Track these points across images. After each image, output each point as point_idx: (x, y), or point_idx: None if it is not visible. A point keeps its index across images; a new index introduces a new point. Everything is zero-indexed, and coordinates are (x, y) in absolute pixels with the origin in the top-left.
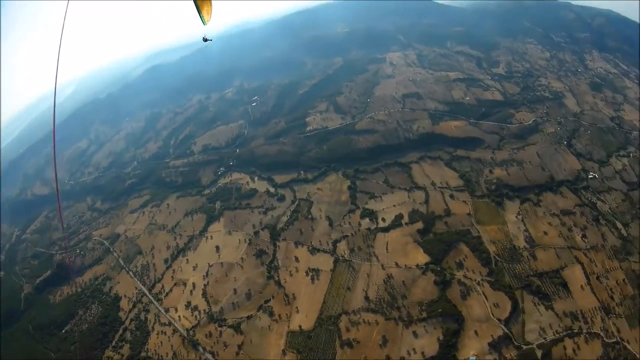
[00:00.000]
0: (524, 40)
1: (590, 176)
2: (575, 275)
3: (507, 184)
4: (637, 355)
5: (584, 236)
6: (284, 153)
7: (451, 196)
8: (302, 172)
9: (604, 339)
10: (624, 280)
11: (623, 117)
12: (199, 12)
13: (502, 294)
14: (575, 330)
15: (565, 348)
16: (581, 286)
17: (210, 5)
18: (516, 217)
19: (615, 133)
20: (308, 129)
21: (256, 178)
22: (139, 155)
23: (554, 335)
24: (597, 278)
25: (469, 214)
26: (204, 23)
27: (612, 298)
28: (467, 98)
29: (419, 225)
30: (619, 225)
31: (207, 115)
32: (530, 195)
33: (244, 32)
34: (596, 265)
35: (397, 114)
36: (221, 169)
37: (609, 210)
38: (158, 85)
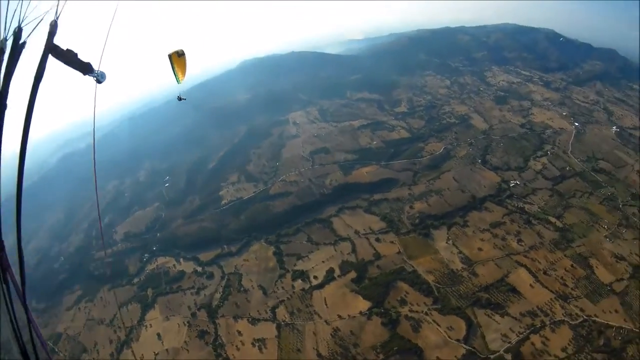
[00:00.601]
0: (422, 73)
1: (512, 184)
2: (521, 278)
3: (430, 214)
4: (610, 323)
5: (519, 240)
6: (204, 230)
7: (377, 240)
8: (225, 246)
9: (570, 322)
10: (572, 265)
11: (533, 121)
12: (174, 71)
13: (453, 316)
14: (538, 326)
15: (533, 344)
16: (530, 285)
17: (185, 65)
18: (446, 242)
19: (529, 137)
20: (223, 202)
21: (181, 259)
22: (64, 249)
23: (518, 336)
24: (544, 273)
25: (398, 253)
26: (178, 82)
27: (565, 285)
28: (374, 142)
29: (352, 274)
30: (552, 219)
31: (123, 201)
32: (455, 219)
33: (149, 111)
34: (539, 262)
35: (308, 172)
36: (146, 255)
37: (539, 209)
38: (72, 175)
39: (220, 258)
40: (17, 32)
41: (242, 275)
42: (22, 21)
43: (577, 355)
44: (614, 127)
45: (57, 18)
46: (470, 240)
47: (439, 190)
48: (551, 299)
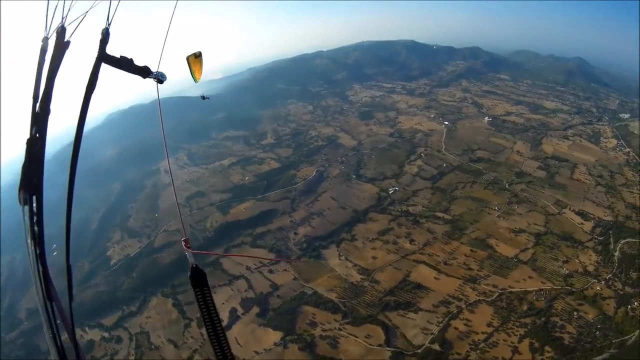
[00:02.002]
0: (284, 103)
1: (391, 191)
2: (423, 274)
3: (316, 236)
4: (528, 289)
5: (411, 241)
6: (101, 294)
7: (270, 271)
8: (124, 307)
9: (486, 299)
10: (471, 250)
11: (401, 128)
12: (191, 70)
13: (367, 325)
14: (454, 311)
15: (456, 328)
16: (434, 278)
17: (201, 64)
18: (339, 259)
19: (399, 145)
20: (112, 262)
21: (87, 328)
22: None
23: (438, 325)
24: (445, 263)
25: (295, 279)
26: (195, 81)
27: (470, 269)
28: (247, 178)
29: (255, 309)
30: (440, 214)
31: (19, 277)
32: (343, 235)
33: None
34: (437, 255)
35: (188, 218)
36: None
37: (424, 208)
38: None
39: (123, 320)
40: (60, 31)
41: (149, 333)
42: (65, 19)
43: (504, 325)
44: (486, 118)
45: (109, 25)
46: (362, 252)
47: (320, 212)
48: (460, 284)
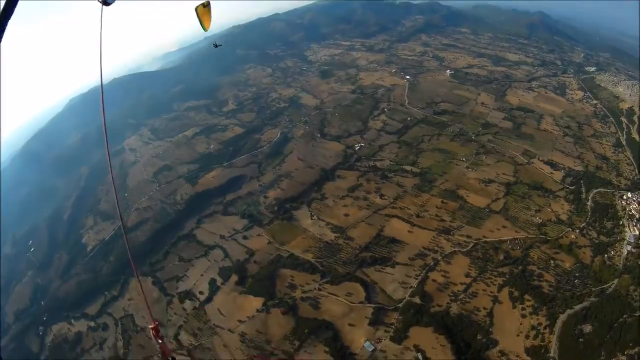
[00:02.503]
0: (243, 68)
1: (357, 148)
2: (396, 228)
3: (286, 198)
4: (503, 238)
5: (382, 195)
6: (82, 283)
7: (245, 237)
8: (106, 292)
9: (462, 250)
10: (442, 202)
11: (363, 85)
12: (200, 20)
13: (346, 283)
14: (431, 264)
15: (434, 280)
16: (408, 231)
17: (209, 13)
18: (311, 219)
19: (362, 101)
20: (89, 249)
21: (73, 320)
22: None
23: (416, 279)
24: (417, 216)
25: (269, 243)
26: (204, 30)
27: (442, 220)
28: (212, 146)
29: (234, 278)
30: (408, 167)
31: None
32: (313, 195)
33: None
34: (409, 209)
35: (157, 193)
36: (40, 328)
37: (391, 162)
38: None
39: (107, 305)
40: None
41: (133, 316)
42: None
43: (482, 275)
44: (448, 71)
45: None
46: (334, 210)
47: (288, 174)
48: (434, 236)
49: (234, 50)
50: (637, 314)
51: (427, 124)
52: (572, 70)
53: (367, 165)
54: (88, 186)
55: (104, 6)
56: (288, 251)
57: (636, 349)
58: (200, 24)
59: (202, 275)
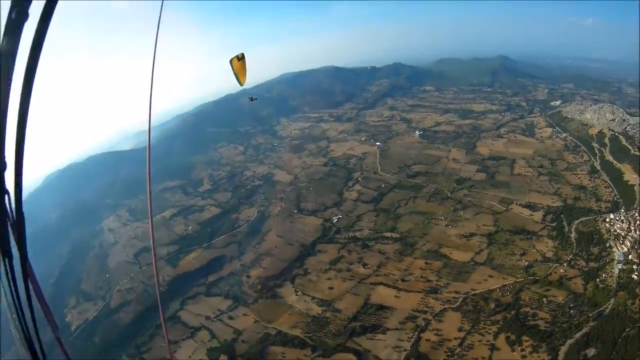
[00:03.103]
0: (215, 146)
1: (335, 220)
2: (382, 295)
3: (269, 276)
4: (491, 287)
5: (365, 265)
6: None
7: (230, 317)
8: None
9: (452, 306)
10: (426, 263)
11: (334, 156)
12: (235, 74)
13: (339, 354)
14: (422, 324)
15: (428, 339)
16: (395, 296)
17: (244, 66)
18: (296, 295)
19: (335, 173)
20: (73, 328)
21: None
22: None
23: (409, 341)
24: (402, 280)
25: (256, 322)
26: (240, 84)
27: (429, 281)
28: (190, 227)
29: (223, 358)
30: (388, 234)
31: None
32: (295, 271)
33: None
34: (393, 274)
35: (139, 275)
36: None
37: (370, 231)
38: None
39: None
40: None
41: None
42: None
43: (476, 327)
44: (417, 132)
45: None
46: (318, 284)
47: (268, 251)
48: (422, 298)
49: (205, 128)
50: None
51: (401, 188)
52: (538, 109)
53: (347, 236)
54: (69, 266)
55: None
56: (276, 328)
57: None
58: (236, 77)
59: (190, 356)
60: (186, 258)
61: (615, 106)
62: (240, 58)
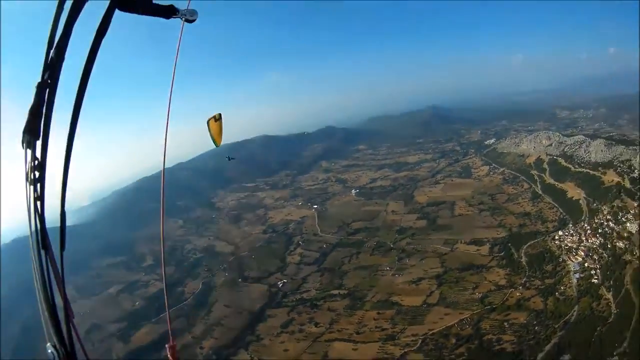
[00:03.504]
0: (155, 222)
1: (280, 285)
2: (339, 349)
3: (222, 345)
4: (448, 324)
5: (316, 324)
6: None
7: None
8: None
9: (412, 349)
10: (378, 313)
11: (273, 223)
12: (211, 134)
13: None
14: None
15: None
16: (352, 349)
17: (221, 127)
18: None
19: (275, 239)
20: None
21: None
22: None
23: None
24: (357, 333)
25: None
26: (216, 145)
27: (384, 330)
28: (137, 303)
29: None
30: (335, 291)
31: None
32: (248, 338)
33: None
34: (347, 329)
35: (92, 354)
36: None
37: (317, 291)
38: None
39: None
40: None
41: None
42: None
43: None
44: (353, 190)
45: None
46: (273, 348)
47: (218, 322)
48: (380, 346)
49: (144, 203)
50: (610, 321)
51: (343, 246)
52: (472, 150)
53: (295, 299)
54: (21, 346)
55: (185, 23)
56: None
57: (624, 345)
58: (212, 139)
59: None
60: (137, 334)
61: (550, 132)
62: (218, 119)
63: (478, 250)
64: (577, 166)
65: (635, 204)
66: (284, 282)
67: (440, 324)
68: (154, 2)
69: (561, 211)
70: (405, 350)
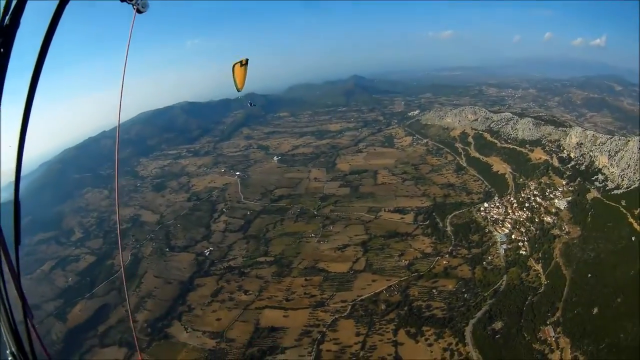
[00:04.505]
0: (81, 192)
1: (207, 253)
2: (271, 316)
3: (156, 317)
4: (377, 291)
5: (246, 292)
6: None
7: None
8: None
9: (342, 314)
10: (305, 279)
11: (197, 191)
12: (234, 78)
13: None
14: (319, 337)
15: (329, 350)
16: (283, 316)
17: (245, 72)
18: (187, 332)
19: (199, 207)
20: None
21: None
22: None
23: (310, 355)
24: (287, 300)
25: None
26: (237, 89)
27: (313, 296)
28: (70, 279)
29: None
30: (261, 259)
31: None
32: (180, 309)
33: None
34: (276, 296)
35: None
36: None
37: (244, 258)
38: None
39: None
40: None
41: None
42: None
43: (372, 329)
44: (275, 157)
45: None
46: (205, 318)
47: (149, 294)
48: (310, 312)
49: (70, 174)
50: (540, 291)
51: (267, 213)
52: (396, 121)
53: (222, 267)
54: None
55: (136, 13)
56: None
57: (556, 315)
58: (234, 83)
59: None
60: (73, 311)
61: (477, 107)
62: (244, 64)
63: (402, 218)
64: (503, 142)
65: (564, 182)
66: (210, 250)
67: (368, 290)
68: None
69: (486, 184)
70: (336, 317)
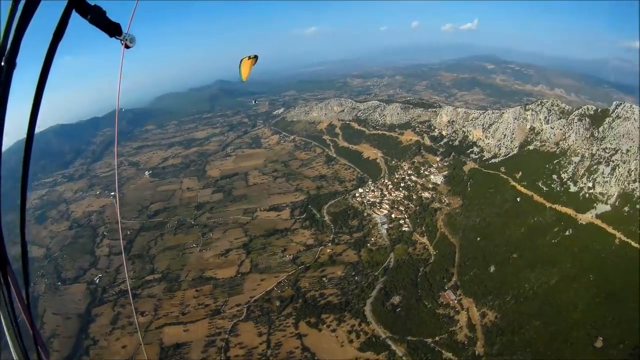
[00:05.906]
0: None
1: (97, 280)
2: (172, 333)
3: (65, 357)
4: (268, 289)
5: (142, 313)
6: None
7: None
8: None
9: (240, 319)
10: (196, 290)
11: (76, 216)
12: (240, 69)
13: None
14: (223, 345)
15: (236, 355)
16: (184, 331)
17: (249, 68)
18: None
19: (82, 233)
20: None
21: None
22: None
23: None
24: (183, 314)
25: None
26: (242, 80)
27: (206, 305)
28: None
29: None
30: (150, 277)
31: None
32: (85, 343)
33: None
34: (172, 312)
35: None
36: None
37: (133, 279)
38: None
39: None
40: None
41: None
42: None
43: (273, 327)
44: (147, 172)
45: None
46: (111, 348)
47: (53, 333)
48: (209, 322)
49: None
50: (431, 261)
51: (146, 230)
52: (261, 121)
53: (114, 292)
54: None
55: (125, 49)
56: None
57: (453, 280)
58: (239, 74)
59: None
60: None
61: (342, 99)
62: (252, 57)
63: (279, 215)
64: (371, 129)
65: (438, 159)
66: (99, 276)
67: (259, 290)
68: (107, 16)
69: (358, 171)
70: (235, 322)
